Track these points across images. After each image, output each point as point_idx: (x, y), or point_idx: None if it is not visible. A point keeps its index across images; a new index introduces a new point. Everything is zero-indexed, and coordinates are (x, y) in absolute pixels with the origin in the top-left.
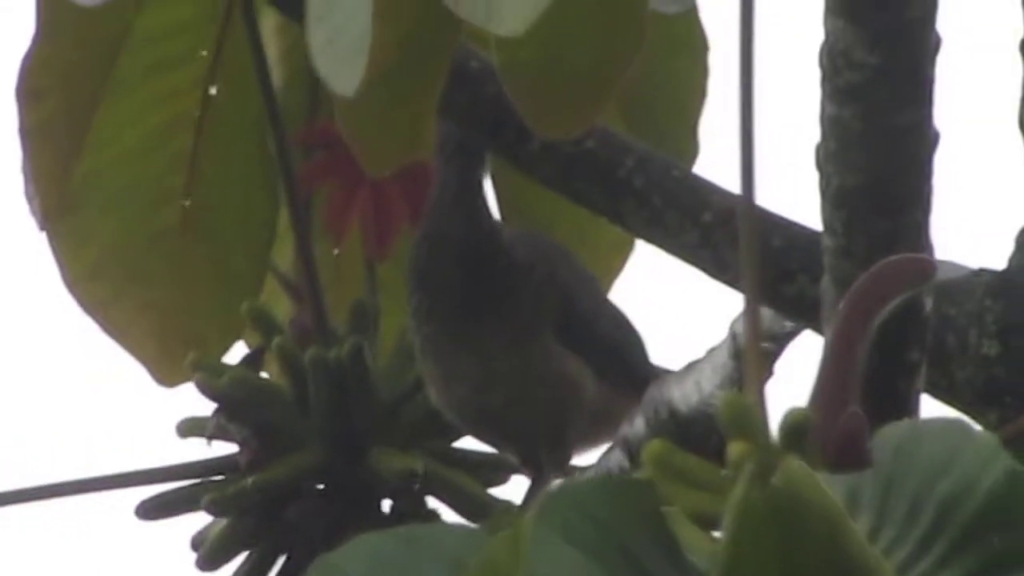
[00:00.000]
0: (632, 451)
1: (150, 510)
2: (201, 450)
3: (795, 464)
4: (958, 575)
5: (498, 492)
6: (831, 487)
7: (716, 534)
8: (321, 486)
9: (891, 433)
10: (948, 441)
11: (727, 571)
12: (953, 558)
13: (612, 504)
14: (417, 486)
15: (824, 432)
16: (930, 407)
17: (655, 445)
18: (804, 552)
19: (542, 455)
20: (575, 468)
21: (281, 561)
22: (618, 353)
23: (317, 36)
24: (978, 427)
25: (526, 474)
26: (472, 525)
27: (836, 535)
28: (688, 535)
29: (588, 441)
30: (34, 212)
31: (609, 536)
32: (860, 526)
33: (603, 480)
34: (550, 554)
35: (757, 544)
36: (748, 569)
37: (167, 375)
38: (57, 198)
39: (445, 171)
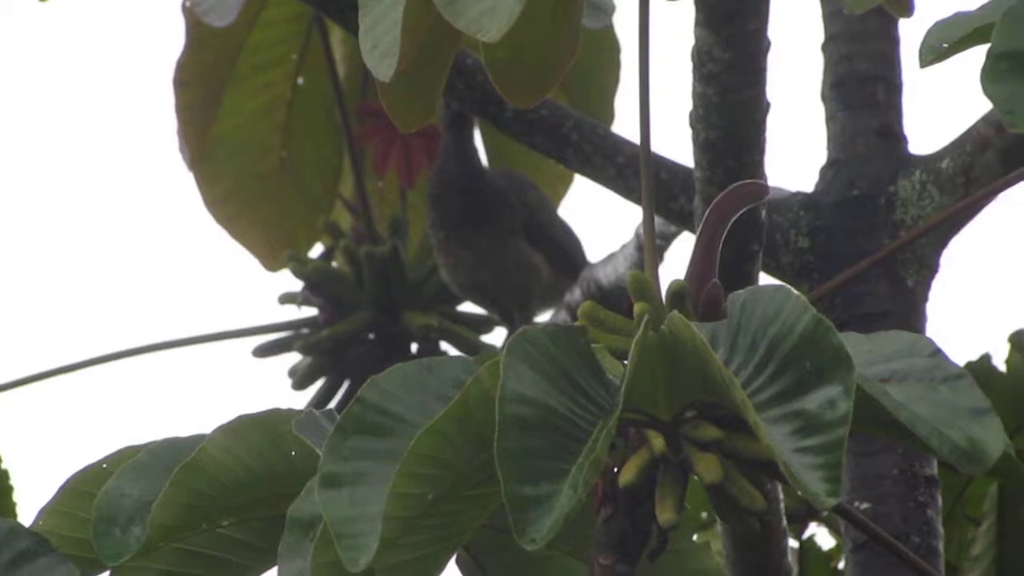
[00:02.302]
0: (572, 312)
1: (262, 351)
2: (293, 312)
3: (676, 316)
4: (781, 387)
5: (487, 339)
6: (699, 331)
7: (625, 362)
8: (371, 336)
9: (738, 295)
10: (776, 299)
11: (631, 383)
12: (779, 375)
13: (557, 342)
14: (433, 335)
15: (695, 296)
16: (764, 280)
17: (587, 305)
18: (682, 372)
19: (514, 315)
20: (536, 323)
21: (345, 385)
22: (565, 250)
23: (366, 43)
24: (796, 291)
25: (505, 327)
26: (468, 358)
27: (703, 360)
28: (608, 362)
29: (544, 306)
30: (184, 159)
31: (556, 363)
32: (719, 356)
33: (552, 327)
34: (517, 374)
35: (651, 366)
36: (644, 382)
37: (272, 265)
38: (198, 150)
39: (447, 133)
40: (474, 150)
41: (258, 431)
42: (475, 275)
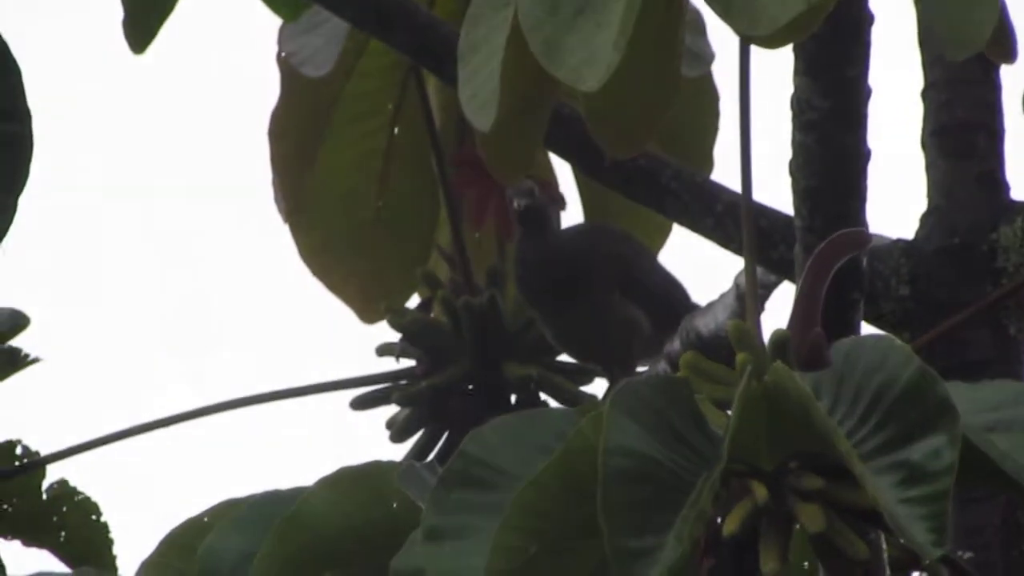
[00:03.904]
0: (672, 362)
1: (360, 403)
2: (391, 364)
3: (779, 366)
4: (886, 437)
5: (586, 389)
6: (802, 381)
7: (728, 412)
8: (470, 387)
9: (842, 344)
10: (880, 349)
11: (734, 434)
12: (884, 425)
13: (660, 394)
14: (532, 386)
15: (798, 345)
16: (867, 329)
17: (689, 355)
18: (785, 422)
19: (615, 369)
20: (637, 374)
21: (444, 436)
22: (664, 300)
23: (465, 92)
24: (899, 341)
25: (605, 379)
26: (570, 410)
27: (806, 410)
28: (710, 413)
29: (646, 357)
30: (280, 211)
31: (659, 415)
32: (822, 406)
33: (654, 378)
34: (621, 427)
35: (754, 417)
36: (747, 433)
37: (368, 317)
38: (294, 201)
39: (519, 228)
40: (549, 231)
41: (360, 484)
42: (575, 340)
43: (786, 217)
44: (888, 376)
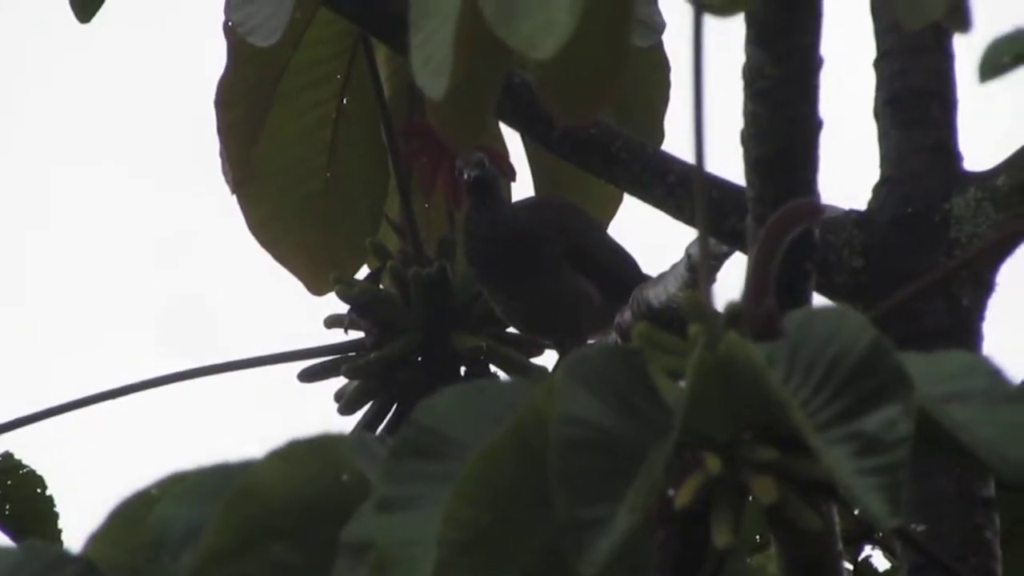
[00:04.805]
0: (623, 333)
1: (309, 375)
2: (340, 336)
3: (733, 336)
4: (841, 408)
5: (537, 361)
6: (756, 351)
7: (681, 383)
8: (420, 359)
9: (795, 315)
10: (834, 318)
11: (688, 405)
12: (839, 395)
13: (613, 364)
14: (482, 357)
15: (751, 316)
16: (820, 302)
17: (642, 325)
18: (739, 392)
19: (566, 342)
20: (589, 344)
21: (394, 409)
22: (614, 272)
23: (417, 60)
24: (854, 311)
25: (556, 351)
26: (522, 380)
27: (760, 380)
28: (663, 384)
29: (596, 330)
30: (228, 182)
31: (612, 384)
32: (776, 376)
33: (603, 347)
34: (573, 396)
35: (708, 387)
36: (701, 403)
37: (317, 288)
38: (242, 172)
39: (468, 198)
40: (499, 204)
41: (310, 455)
42: (524, 313)
43: (738, 188)
44: (843, 346)
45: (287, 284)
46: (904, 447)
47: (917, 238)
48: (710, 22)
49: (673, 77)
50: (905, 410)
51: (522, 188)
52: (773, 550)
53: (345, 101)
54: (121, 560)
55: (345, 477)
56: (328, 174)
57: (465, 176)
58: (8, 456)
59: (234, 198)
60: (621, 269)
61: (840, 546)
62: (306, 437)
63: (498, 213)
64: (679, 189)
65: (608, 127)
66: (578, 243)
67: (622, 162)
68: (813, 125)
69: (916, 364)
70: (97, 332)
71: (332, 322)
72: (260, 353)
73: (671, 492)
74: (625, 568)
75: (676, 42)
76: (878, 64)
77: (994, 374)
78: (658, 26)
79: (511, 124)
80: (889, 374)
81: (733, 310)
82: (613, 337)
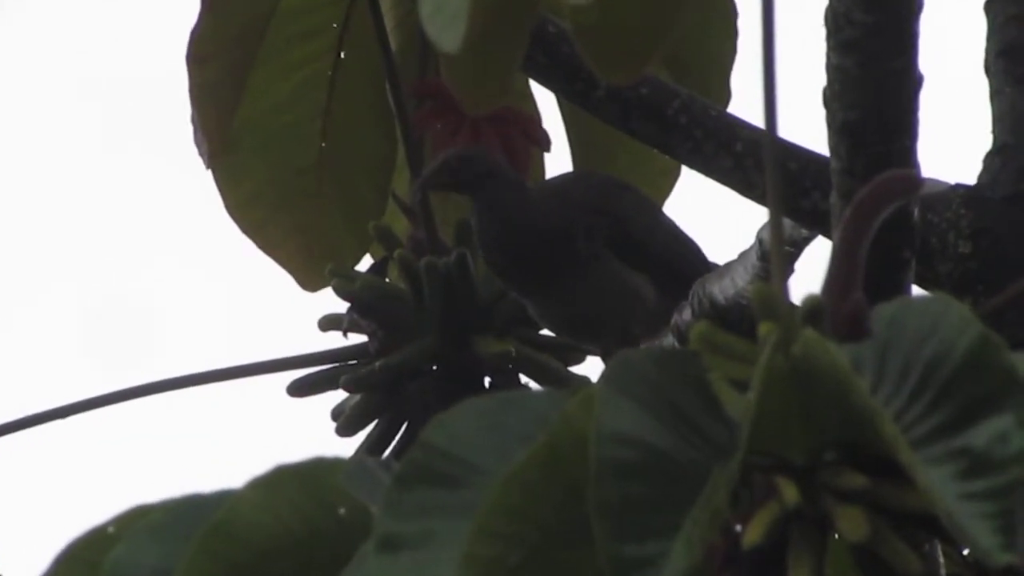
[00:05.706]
0: (681, 335)
1: (299, 388)
2: (337, 341)
3: (811, 335)
4: (941, 420)
5: (577, 370)
6: (839, 354)
7: (748, 394)
8: (434, 367)
9: (885, 309)
10: (931, 312)
11: (756, 420)
12: (938, 405)
13: (665, 370)
14: (510, 365)
15: (834, 313)
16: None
17: (701, 325)
18: (818, 404)
19: (613, 349)
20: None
21: (402, 428)
22: (671, 262)
23: (427, 6)
24: (955, 301)
25: (601, 358)
26: (556, 391)
27: (844, 389)
28: (725, 394)
29: (651, 332)
30: (201, 154)
31: (663, 395)
32: (863, 383)
33: (654, 351)
34: (617, 409)
35: (779, 398)
36: (772, 417)
37: (310, 282)
38: (219, 142)
39: (479, 196)
40: (509, 198)
41: (299, 485)
42: (564, 318)
43: (820, 158)
44: (942, 344)
45: (274, 277)
46: (1019, 465)
47: None
48: None
49: (742, 24)
50: (1019, 421)
51: (557, 161)
52: None
53: (343, 56)
54: None
55: (342, 511)
56: (323, 144)
57: (451, 176)
58: None
59: (209, 173)
60: (680, 259)
61: None
62: (295, 463)
63: (511, 210)
64: (748, 160)
65: (662, 85)
66: (624, 229)
67: (680, 127)
68: (911, 82)
69: None
70: (13, 340)
71: (328, 323)
72: (242, 362)
73: (738, 527)
74: None
75: None
76: (989, 7)
77: None
78: None
79: (544, 82)
80: (999, 378)
81: (812, 306)
82: (669, 340)
